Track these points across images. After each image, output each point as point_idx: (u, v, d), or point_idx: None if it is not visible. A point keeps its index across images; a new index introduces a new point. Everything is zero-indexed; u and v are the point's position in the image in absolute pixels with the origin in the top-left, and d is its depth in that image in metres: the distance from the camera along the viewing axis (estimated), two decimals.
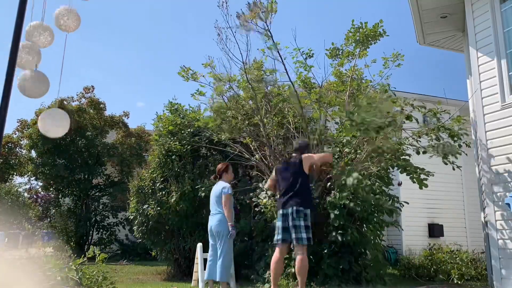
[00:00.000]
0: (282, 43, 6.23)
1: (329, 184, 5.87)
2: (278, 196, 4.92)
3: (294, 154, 5.04)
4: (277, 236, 4.64)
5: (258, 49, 6.88)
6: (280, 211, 4.67)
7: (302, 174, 4.74)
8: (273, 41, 6.00)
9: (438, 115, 5.83)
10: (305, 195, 4.67)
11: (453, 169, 5.73)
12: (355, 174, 5.01)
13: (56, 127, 3.18)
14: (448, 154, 5.47)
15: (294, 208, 4.51)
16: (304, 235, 4.43)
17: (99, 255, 4.32)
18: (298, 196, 4.59)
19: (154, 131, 8.92)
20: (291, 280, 5.42)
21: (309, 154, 4.97)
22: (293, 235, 4.47)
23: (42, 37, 3.16)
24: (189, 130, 7.82)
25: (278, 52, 6.05)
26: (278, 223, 4.68)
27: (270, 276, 4.80)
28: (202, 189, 6.82)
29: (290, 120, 6.99)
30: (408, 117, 5.72)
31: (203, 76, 7.06)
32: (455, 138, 5.67)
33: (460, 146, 5.71)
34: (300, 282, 4.47)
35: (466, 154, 6.04)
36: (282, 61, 6.10)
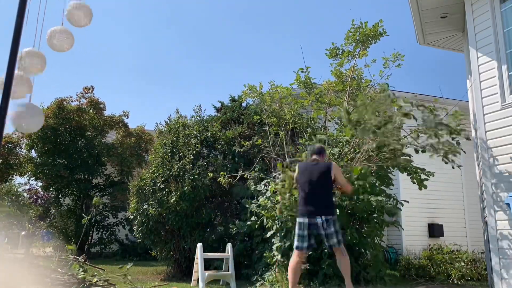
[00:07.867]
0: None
1: None
2: (301, 198, 4.67)
3: (315, 157, 4.80)
4: (302, 244, 4.52)
5: None
6: (305, 220, 4.52)
7: (329, 180, 4.62)
8: None
9: (434, 112, 5.81)
10: (331, 202, 4.61)
11: (453, 167, 5.71)
12: (357, 170, 4.99)
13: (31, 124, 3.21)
14: (449, 153, 5.45)
15: (324, 218, 4.45)
16: (337, 240, 4.46)
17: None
18: (326, 204, 4.54)
19: (156, 131, 8.98)
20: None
21: (338, 168, 4.77)
22: (329, 243, 4.49)
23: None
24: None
25: None
26: (301, 232, 4.54)
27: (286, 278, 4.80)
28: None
29: (289, 121, 6.99)
30: (406, 115, 5.70)
31: None
32: (453, 135, 5.65)
33: (458, 143, 5.69)
34: (347, 281, 4.46)
35: (465, 152, 6.02)
36: None
